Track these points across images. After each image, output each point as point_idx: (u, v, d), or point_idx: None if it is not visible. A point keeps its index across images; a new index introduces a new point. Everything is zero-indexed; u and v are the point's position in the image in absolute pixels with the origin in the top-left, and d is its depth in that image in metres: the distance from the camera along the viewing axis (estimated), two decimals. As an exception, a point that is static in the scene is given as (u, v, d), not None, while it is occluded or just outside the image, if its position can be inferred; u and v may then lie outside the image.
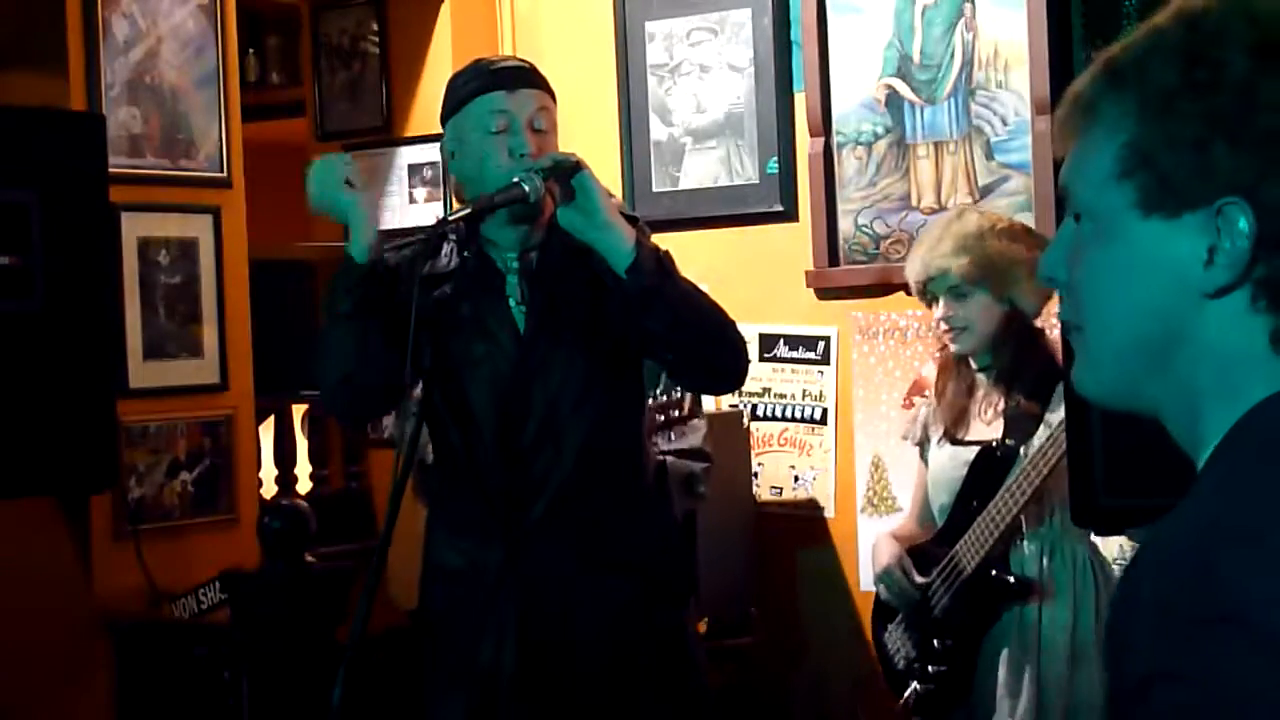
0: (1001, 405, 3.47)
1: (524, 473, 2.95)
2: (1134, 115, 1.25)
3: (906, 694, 3.51)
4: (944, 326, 3.48)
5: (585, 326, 2.98)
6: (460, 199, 3.11)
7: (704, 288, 3.02)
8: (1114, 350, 1.29)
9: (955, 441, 3.52)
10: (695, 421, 3.92)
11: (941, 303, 3.47)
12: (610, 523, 2.99)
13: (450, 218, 2.93)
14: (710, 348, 2.96)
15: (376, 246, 2.94)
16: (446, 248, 3.03)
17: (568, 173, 2.85)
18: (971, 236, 3.46)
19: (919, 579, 3.52)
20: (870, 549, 3.77)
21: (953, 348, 3.51)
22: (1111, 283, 1.28)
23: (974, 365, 3.53)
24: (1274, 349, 1.22)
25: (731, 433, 4.60)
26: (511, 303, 3.00)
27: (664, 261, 2.90)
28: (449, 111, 3.03)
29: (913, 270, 3.54)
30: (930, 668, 3.48)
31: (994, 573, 3.40)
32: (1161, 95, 1.23)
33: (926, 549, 3.55)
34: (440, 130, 3.08)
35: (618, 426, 3.02)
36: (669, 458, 3.79)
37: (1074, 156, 1.31)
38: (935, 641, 3.48)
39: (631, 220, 2.95)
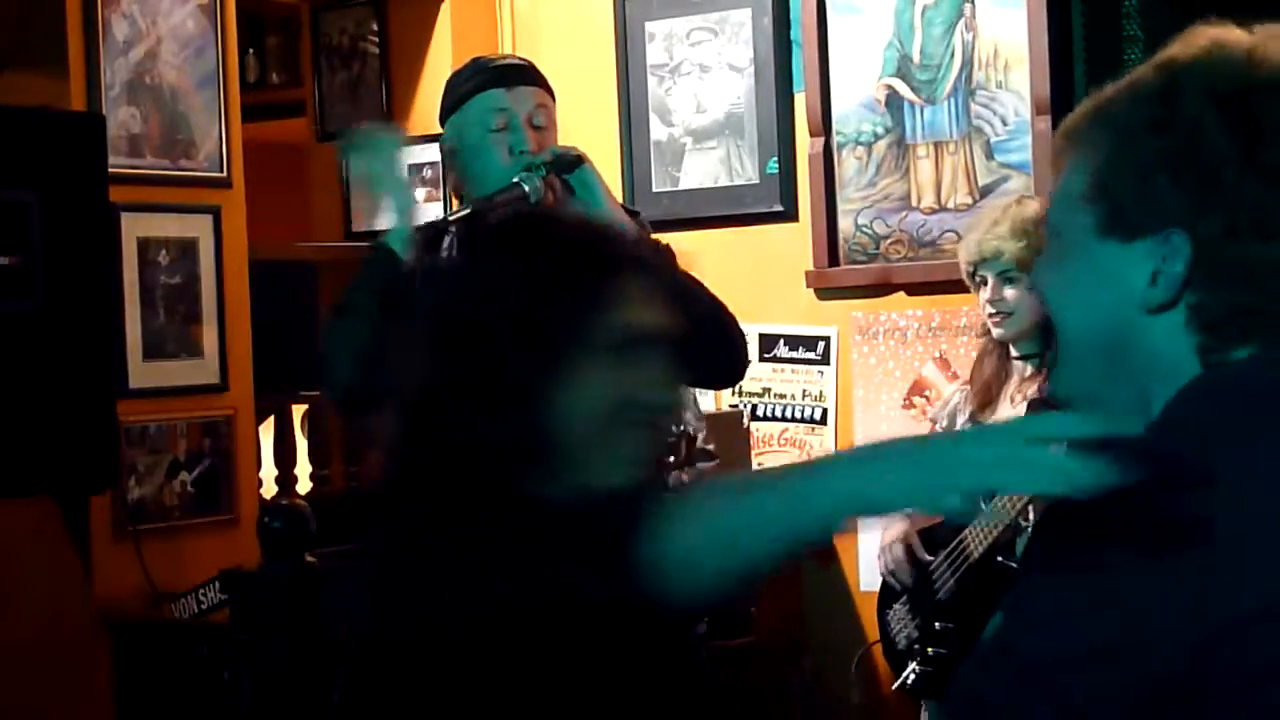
0: (1033, 392, 3.46)
1: None
2: (1104, 148, 1.36)
3: (905, 673, 3.51)
4: (989, 310, 3.47)
5: None
6: (460, 197, 3.10)
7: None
8: (1075, 354, 1.41)
9: (977, 424, 3.51)
10: (699, 465, 3.86)
11: (989, 285, 3.46)
12: None
13: (451, 218, 2.93)
14: (709, 343, 2.95)
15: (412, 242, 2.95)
16: (447, 239, 3.04)
17: (569, 166, 2.85)
18: (1030, 222, 3.44)
19: (926, 557, 3.52)
20: (879, 536, 3.77)
21: (996, 332, 3.48)
22: (1070, 294, 1.40)
23: (1015, 352, 3.52)
24: (1201, 363, 1.34)
25: (731, 433, 4.60)
26: None
27: (662, 255, 2.90)
28: (448, 110, 3.03)
29: (965, 251, 3.52)
30: (930, 650, 3.48)
31: (999, 559, 3.39)
32: (1128, 131, 1.35)
33: (938, 530, 3.54)
34: (440, 129, 3.08)
35: None
36: (679, 473, 3.76)
37: (1058, 183, 1.43)
38: (937, 624, 3.48)
39: (633, 214, 2.95)
